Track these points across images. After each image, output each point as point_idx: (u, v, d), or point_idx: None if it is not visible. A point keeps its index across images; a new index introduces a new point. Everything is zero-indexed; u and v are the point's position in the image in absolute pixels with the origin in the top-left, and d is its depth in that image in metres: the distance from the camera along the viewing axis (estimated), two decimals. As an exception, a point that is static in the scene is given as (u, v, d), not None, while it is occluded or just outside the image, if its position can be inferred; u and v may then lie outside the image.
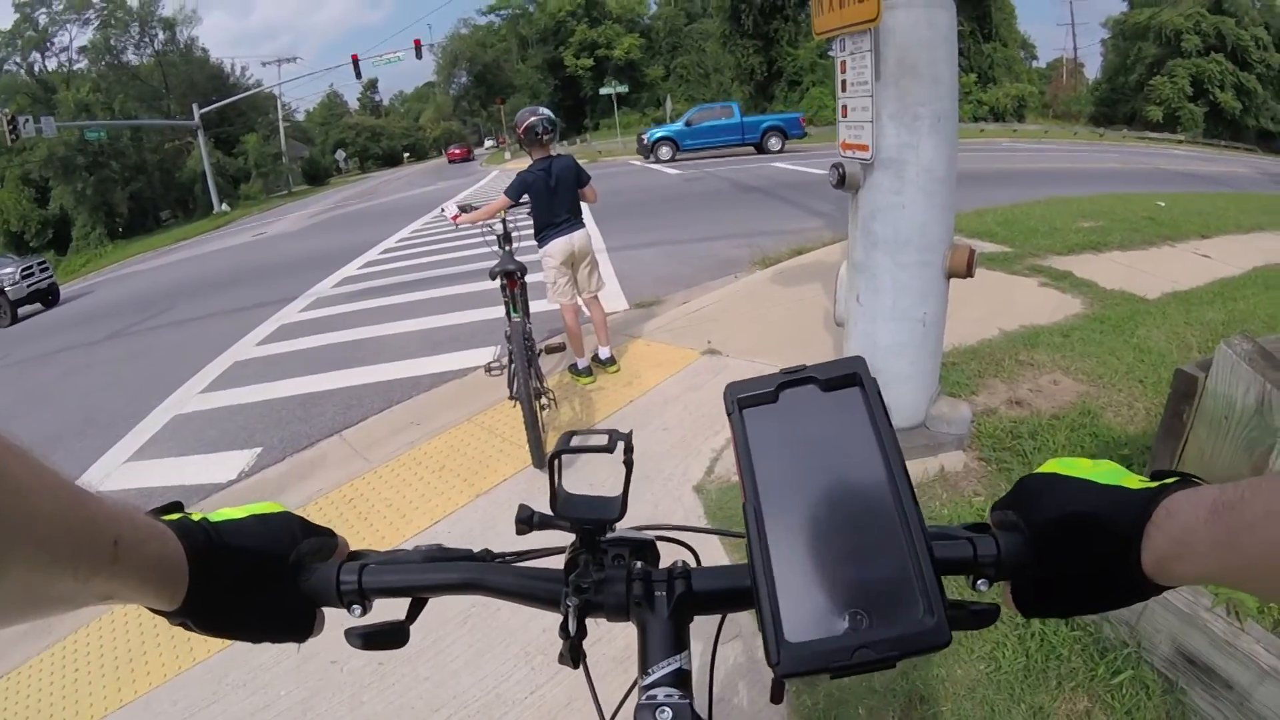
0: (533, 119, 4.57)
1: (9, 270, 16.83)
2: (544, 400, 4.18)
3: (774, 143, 25.08)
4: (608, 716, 0.76)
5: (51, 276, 18.11)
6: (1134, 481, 0.57)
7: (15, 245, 38.31)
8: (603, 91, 40.78)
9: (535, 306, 4.50)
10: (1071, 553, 0.56)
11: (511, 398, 4.17)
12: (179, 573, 0.57)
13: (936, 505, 3.04)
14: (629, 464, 0.65)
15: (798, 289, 6.25)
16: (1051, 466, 0.62)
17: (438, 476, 4.02)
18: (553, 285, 4.82)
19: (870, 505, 0.55)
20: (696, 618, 0.68)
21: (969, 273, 3.04)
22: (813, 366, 0.62)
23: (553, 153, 4.71)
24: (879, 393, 0.60)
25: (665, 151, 25.54)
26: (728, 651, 2.46)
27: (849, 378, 0.61)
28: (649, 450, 3.87)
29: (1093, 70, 54.30)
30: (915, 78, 2.80)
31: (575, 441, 0.64)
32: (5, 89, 42.53)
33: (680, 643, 0.64)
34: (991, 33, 42.08)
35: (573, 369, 5.04)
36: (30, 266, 17.50)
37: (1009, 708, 2.13)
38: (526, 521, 0.69)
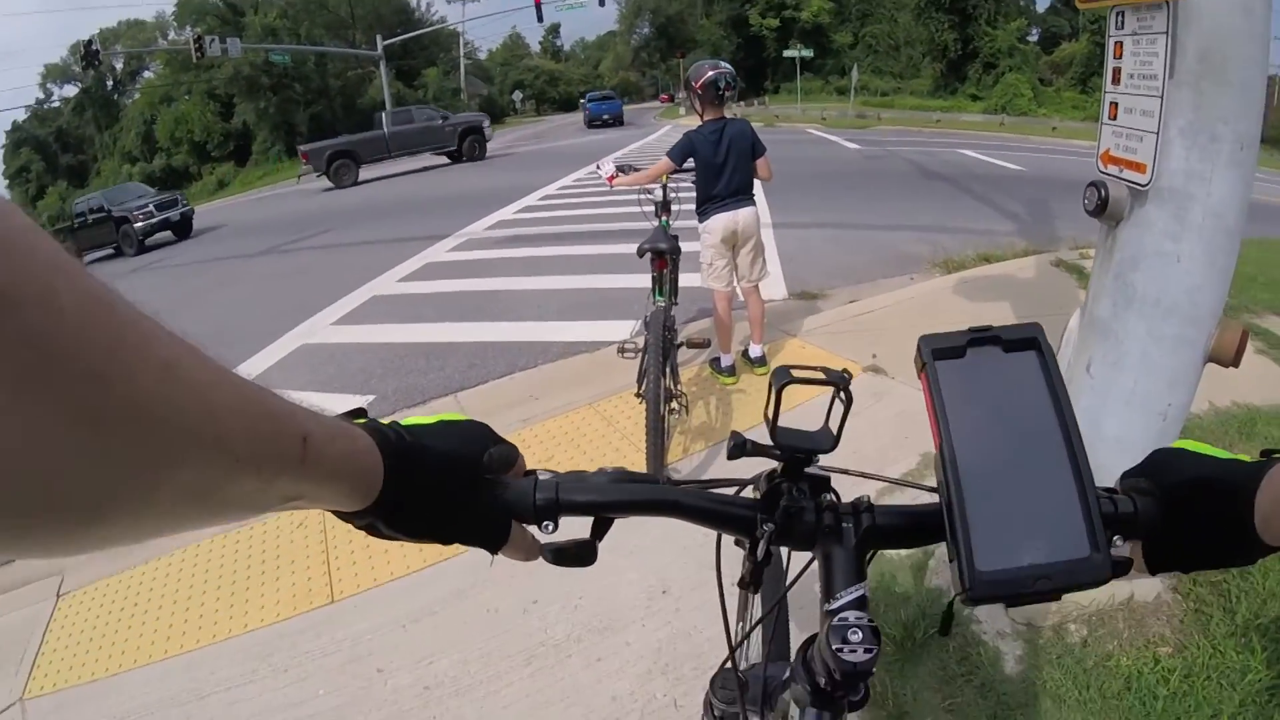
0: (713, 72, 4.00)
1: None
2: (674, 404, 3.63)
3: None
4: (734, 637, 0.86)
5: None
6: (1247, 459, 0.65)
7: (198, 154, 41.36)
8: (786, 54, 39.46)
9: (686, 281, 3.98)
10: (1197, 513, 0.63)
11: (638, 395, 3.64)
12: (372, 472, 0.56)
13: (1113, 645, 2.30)
14: (848, 400, 0.67)
15: (984, 306, 5.37)
16: (1180, 444, 0.70)
17: (542, 469, 3.59)
18: (709, 267, 4.26)
19: (1046, 456, 0.62)
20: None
21: (1235, 361, 2.26)
22: (998, 328, 0.67)
23: (727, 115, 4.13)
24: (1054, 356, 0.66)
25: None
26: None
27: (1029, 341, 0.67)
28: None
29: (1303, 92, 46.79)
30: (1221, 82, 2.01)
31: (796, 373, 0.66)
32: (195, 10, 45.43)
33: (862, 573, 0.69)
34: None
35: (714, 365, 4.50)
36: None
37: None
38: (741, 448, 0.70)
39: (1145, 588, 2.51)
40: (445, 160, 22.59)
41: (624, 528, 0.76)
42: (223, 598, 2.98)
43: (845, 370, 0.68)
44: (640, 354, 3.68)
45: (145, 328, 0.35)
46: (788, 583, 0.86)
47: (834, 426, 0.69)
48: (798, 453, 0.70)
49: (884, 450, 3.49)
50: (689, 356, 4.56)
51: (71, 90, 50.18)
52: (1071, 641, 2.34)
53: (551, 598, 2.70)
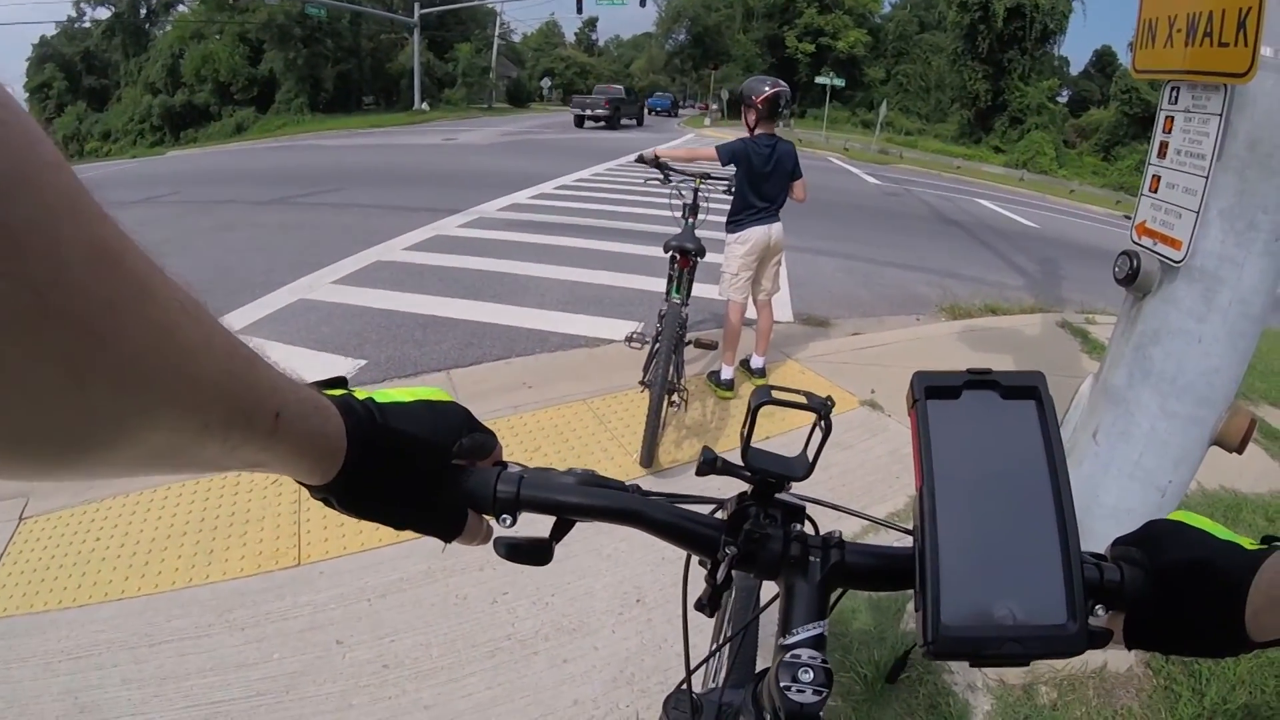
0: (782, 88, 4.07)
1: None
2: (675, 398, 3.70)
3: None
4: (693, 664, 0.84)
5: None
6: (1247, 543, 0.62)
7: (221, 95, 40.80)
8: (818, 80, 39.45)
9: (698, 290, 4.00)
10: (1187, 595, 0.60)
11: (642, 384, 3.71)
12: (335, 450, 0.55)
13: (1081, 712, 2.30)
14: (827, 428, 0.66)
15: (986, 357, 5.37)
16: (1178, 516, 0.66)
17: (526, 459, 3.57)
18: (732, 277, 4.28)
19: (1033, 512, 0.59)
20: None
21: (1240, 448, 2.25)
22: (998, 373, 0.64)
23: (777, 133, 4.20)
24: (1054, 409, 0.63)
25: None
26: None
27: (1029, 390, 0.64)
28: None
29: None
30: (1267, 172, 1.99)
31: (776, 395, 0.65)
32: (237, -49, 44.57)
33: (823, 610, 0.66)
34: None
35: (713, 377, 4.47)
36: None
37: None
38: (710, 464, 0.69)
39: (1119, 658, 2.51)
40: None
41: (604, 532, 0.76)
42: (187, 545, 2.91)
43: (828, 398, 0.67)
44: (649, 344, 3.77)
45: (149, 284, 0.35)
46: (756, 610, 0.83)
47: (811, 454, 0.67)
48: (769, 476, 0.68)
49: (871, 487, 3.47)
50: (692, 357, 4.56)
51: (104, 13, 49.26)
52: (1041, 703, 2.32)
53: (522, 591, 2.66)
